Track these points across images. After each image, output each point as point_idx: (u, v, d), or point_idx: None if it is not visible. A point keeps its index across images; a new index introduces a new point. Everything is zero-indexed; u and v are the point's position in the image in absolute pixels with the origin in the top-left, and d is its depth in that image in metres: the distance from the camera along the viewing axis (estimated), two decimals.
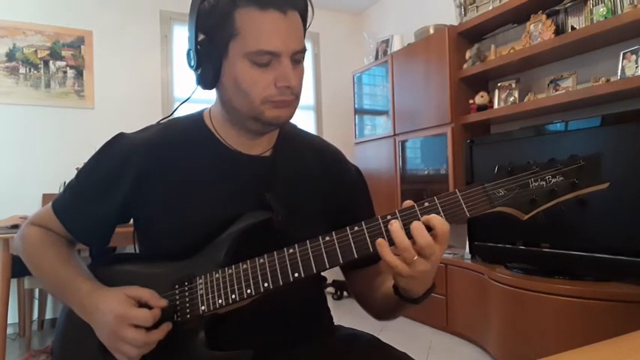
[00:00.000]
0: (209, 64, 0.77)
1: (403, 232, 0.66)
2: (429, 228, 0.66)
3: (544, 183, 0.68)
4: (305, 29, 0.80)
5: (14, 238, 0.89)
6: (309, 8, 0.80)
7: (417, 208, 0.68)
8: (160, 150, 0.82)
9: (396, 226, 0.66)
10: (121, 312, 0.69)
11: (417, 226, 0.65)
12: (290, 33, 0.74)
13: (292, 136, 0.91)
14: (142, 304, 0.72)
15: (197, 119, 0.88)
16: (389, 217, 0.69)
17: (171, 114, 0.93)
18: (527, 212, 0.68)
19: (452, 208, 0.67)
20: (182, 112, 0.93)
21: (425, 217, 0.66)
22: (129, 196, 0.80)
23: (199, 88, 0.82)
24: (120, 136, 0.84)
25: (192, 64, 0.79)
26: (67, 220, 0.83)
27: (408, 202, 0.69)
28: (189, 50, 0.79)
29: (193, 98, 0.92)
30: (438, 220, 0.66)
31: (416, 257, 0.65)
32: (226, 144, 0.84)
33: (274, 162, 0.86)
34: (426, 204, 0.68)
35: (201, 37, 0.76)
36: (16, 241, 0.87)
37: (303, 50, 0.77)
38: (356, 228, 0.69)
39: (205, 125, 0.86)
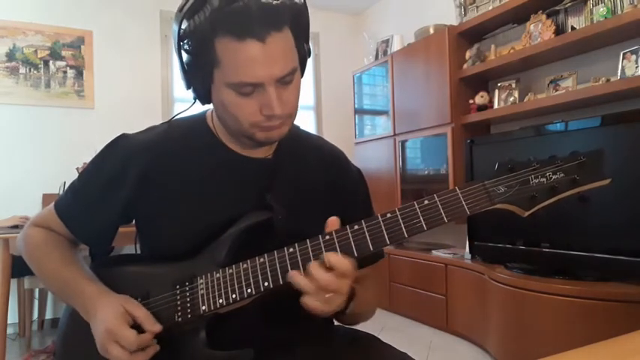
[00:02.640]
0: (198, 86, 0.76)
1: (304, 278, 0.67)
2: (331, 267, 0.66)
3: (544, 179, 0.67)
4: (302, 38, 0.77)
5: (17, 239, 0.89)
6: (305, 14, 0.76)
7: (417, 207, 0.68)
8: (161, 151, 0.82)
9: (294, 273, 0.68)
10: (111, 327, 0.69)
11: (313, 269, 0.66)
12: (271, 60, 0.70)
13: (294, 137, 0.91)
14: (137, 325, 0.72)
15: (199, 120, 0.87)
16: (388, 215, 0.69)
17: (174, 117, 0.92)
18: (527, 209, 0.67)
19: (452, 206, 0.67)
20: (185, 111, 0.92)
21: (325, 256, 0.67)
22: (131, 197, 0.81)
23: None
24: (122, 137, 0.84)
25: (184, 84, 0.78)
26: (70, 221, 0.84)
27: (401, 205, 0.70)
28: (180, 71, 0.78)
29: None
30: (335, 259, 0.66)
31: (329, 295, 0.67)
32: (228, 146, 0.84)
33: (275, 163, 0.86)
34: (426, 202, 0.68)
35: (185, 58, 0.74)
36: (19, 242, 0.87)
37: (292, 72, 0.74)
38: (356, 227, 0.69)
39: (207, 127, 0.86)
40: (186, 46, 0.72)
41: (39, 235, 0.85)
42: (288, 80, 0.74)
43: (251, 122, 0.74)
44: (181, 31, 0.71)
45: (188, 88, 0.78)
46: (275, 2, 0.70)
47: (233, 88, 0.72)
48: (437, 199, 0.68)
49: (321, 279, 0.66)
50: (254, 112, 0.73)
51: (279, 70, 0.71)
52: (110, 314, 0.71)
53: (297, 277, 0.67)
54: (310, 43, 0.82)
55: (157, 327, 0.72)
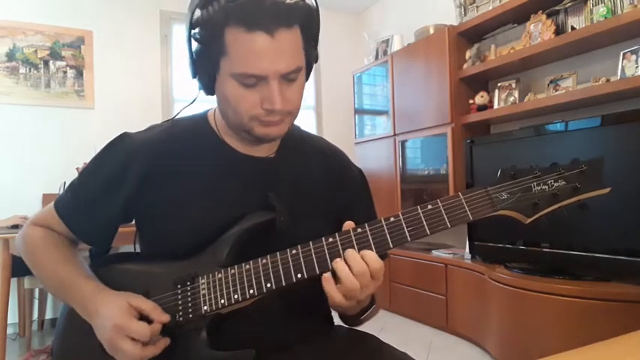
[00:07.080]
0: (204, 76, 0.77)
1: (348, 269, 0.68)
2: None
3: (546, 187, 0.68)
4: (311, 41, 0.77)
5: (16, 238, 0.89)
6: (316, 19, 0.76)
7: (420, 211, 0.69)
8: (163, 150, 0.82)
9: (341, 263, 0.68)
10: (120, 323, 0.69)
11: (352, 256, 0.68)
12: (278, 55, 0.71)
13: (296, 138, 0.91)
14: (144, 317, 0.72)
15: (201, 120, 0.87)
16: (392, 219, 0.69)
17: (176, 116, 0.92)
18: (529, 216, 0.68)
19: (455, 211, 0.68)
20: (186, 111, 0.92)
21: (361, 253, 0.68)
22: (131, 196, 0.80)
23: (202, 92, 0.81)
24: (123, 136, 0.84)
25: (190, 73, 0.79)
26: (70, 220, 0.83)
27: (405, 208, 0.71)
28: (188, 59, 0.79)
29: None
30: (371, 258, 0.68)
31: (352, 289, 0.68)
32: (230, 145, 0.84)
33: (277, 163, 0.86)
34: (430, 206, 0.69)
35: (195, 46, 0.75)
36: (18, 241, 0.87)
37: (297, 70, 0.74)
38: (359, 230, 0.70)
39: (209, 126, 0.86)
40: (197, 35, 0.73)
41: (38, 234, 0.85)
42: (292, 78, 0.75)
43: (251, 115, 0.75)
44: (194, 19, 0.72)
45: (194, 77, 0.79)
46: (288, 1, 0.71)
47: (237, 79, 0.72)
48: (440, 204, 0.69)
49: (358, 265, 0.68)
50: (254, 105, 0.74)
51: (284, 66, 0.72)
52: (115, 310, 0.70)
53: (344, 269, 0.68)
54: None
55: (165, 317, 0.72)
